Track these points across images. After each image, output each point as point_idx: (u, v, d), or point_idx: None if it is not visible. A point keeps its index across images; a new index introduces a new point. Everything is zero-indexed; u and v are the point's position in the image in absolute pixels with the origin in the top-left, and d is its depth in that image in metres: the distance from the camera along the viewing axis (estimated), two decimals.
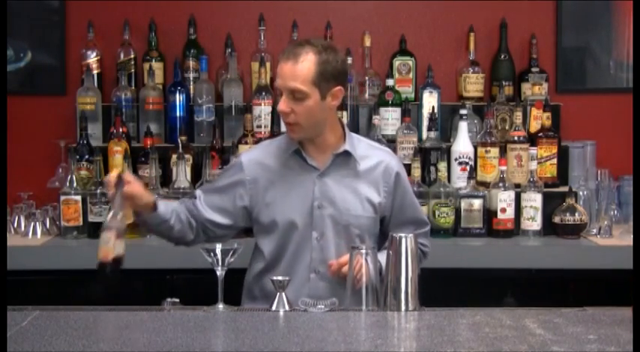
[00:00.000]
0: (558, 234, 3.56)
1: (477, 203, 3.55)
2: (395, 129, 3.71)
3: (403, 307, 2.18)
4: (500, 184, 3.53)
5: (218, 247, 2.26)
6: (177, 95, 3.79)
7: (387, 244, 2.58)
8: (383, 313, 2.19)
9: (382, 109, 3.73)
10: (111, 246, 2.30)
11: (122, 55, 3.89)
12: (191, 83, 3.86)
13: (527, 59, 3.96)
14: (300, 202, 2.59)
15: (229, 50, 3.88)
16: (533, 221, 3.53)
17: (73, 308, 2.30)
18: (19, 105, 3.93)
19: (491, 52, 3.98)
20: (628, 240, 3.42)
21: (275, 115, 3.62)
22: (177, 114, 3.79)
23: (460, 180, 3.61)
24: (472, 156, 3.63)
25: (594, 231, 3.58)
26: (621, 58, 4.04)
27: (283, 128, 2.86)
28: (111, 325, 2.10)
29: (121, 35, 3.90)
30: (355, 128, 3.75)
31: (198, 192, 2.70)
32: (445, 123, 3.87)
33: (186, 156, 3.55)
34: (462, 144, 3.64)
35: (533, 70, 3.89)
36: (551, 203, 3.57)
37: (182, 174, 3.48)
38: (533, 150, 3.58)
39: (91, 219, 3.49)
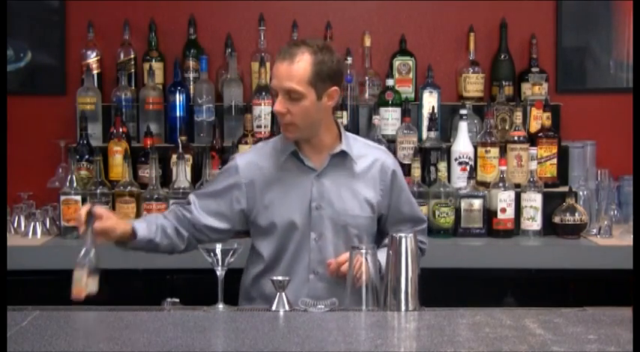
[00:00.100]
0: (558, 234, 3.56)
1: (477, 203, 3.55)
2: (395, 129, 3.71)
3: (403, 307, 2.18)
4: (500, 184, 3.53)
5: (218, 247, 2.26)
6: (177, 95, 3.79)
7: (385, 242, 2.60)
8: (383, 313, 2.19)
9: (382, 109, 3.73)
10: (83, 285, 2.26)
11: (122, 55, 3.89)
12: (191, 83, 3.86)
13: (527, 59, 3.96)
14: (298, 203, 2.58)
15: (229, 50, 3.88)
16: (533, 221, 3.53)
17: (73, 308, 2.30)
18: (19, 105, 3.93)
19: (491, 52, 3.98)
20: (628, 240, 3.42)
21: (274, 115, 3.61)
22: (177, 114, 3.79)
23: (460, 180, 3.61)
24: (472, 156, 3.63)
25: (594, 231, 3.58)
26: (621, 58, 4.04)
27: None
28: (111, 325, 2.10)
29: (121, 35, 3.90)
30: (355, 128, 3.76)
31: (191, 198, 2.67)
32: (445, 123, 3.87)
33: (186, 156, 3.55)
34: (462, 144, 3.64)
35: (533, 70, 3.89)
36: (551, 203, 3.57)
37: (182, 174, 3.48)
38: (533, 150, 3.58)
39: None
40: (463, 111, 3.66)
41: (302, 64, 2.46)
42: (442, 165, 3.58)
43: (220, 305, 2.26)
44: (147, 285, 3.26)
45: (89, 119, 3.70)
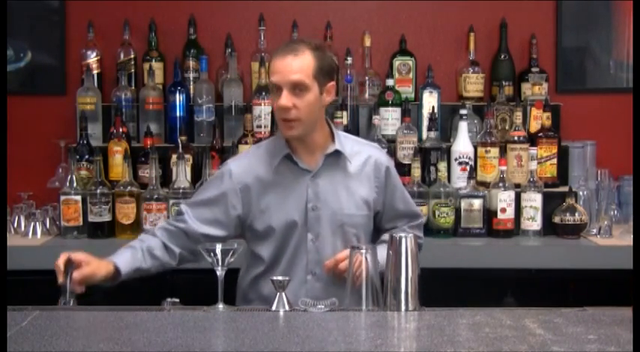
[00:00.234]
0: (558, 234, 3.56)
1: (477, 203, 3.55)
2: (395, 129, 3.71)
3: (403, 307, 2.18)
4: (500, 184, 3.53)
5: (218, 247, 2.26)
6: (177, 95, 3.79)
7: (382, 238, 2.61)
8: (383, 313, 2.19)
9: (382, 109, 3.73)
10: None
11: (122, 55, 3.89)
12: (191, 83, 3.86)
13: (527, 59, 3.97)
14: (295, 205, 2.58)
15: (229, 50, 3.88)
16: (533, 221, 3.53)
17: (73, 308, 2.31)
18: (19, 105, 3.93)
19: (491, 52, 3.99)
20: (628, 240, 3.42)
21: (274, 115, 3.61)
22: (177, 114, 3.79)
23: (460, 180, 3.61)
24: (472, 156, 3.63)
25: (594, 231, 3.58)
26: (621, 58, 4.04)
27: None
28: (111, 325, 2.09)
29: (121, 35, 3.90)
30: (355, 128, 3.76)
31: (183, 208, 2.64)
32: (445, 123, 3.87)
33: (186, 156, 3.55)
34: (462, 144, 3.64)
35: (533, 70, 3.89)
36: (551, 203, 3.57)
37: (182, 174, 3.48)
38: (533, 150, 3.58)
39: (91, 219, 3.50)
40: (463, 111, 3.66)
41: (306, 57, 2.48)
42: (442, 165, 3.58)
43: (220, 305, 2.25)
44: (147, 285, 3.25)
45: (89, 119, 3.70)
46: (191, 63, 3.89)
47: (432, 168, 3.63)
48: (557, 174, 3.68)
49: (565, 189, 3.61)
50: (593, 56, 4.07)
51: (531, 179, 3.55)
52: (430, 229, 3.49)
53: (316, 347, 1.88)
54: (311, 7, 4.02)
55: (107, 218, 3.51)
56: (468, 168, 3.60)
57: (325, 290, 2.55)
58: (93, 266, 2.41)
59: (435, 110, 3.73)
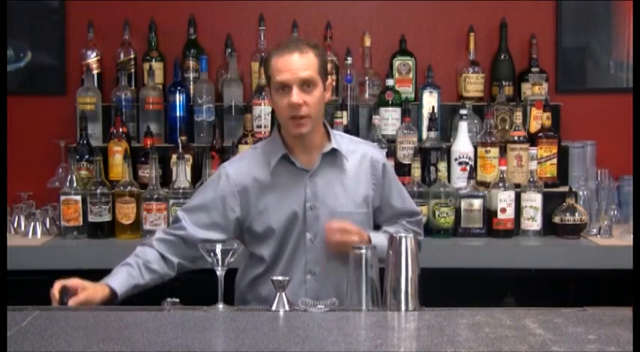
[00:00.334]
0: (558, 234, 3.56)
1: (477, 203, 3.55)
2: (395, 129, 3.71)
3: (403, 307, 2.18)
4: (500, 184, 3.53)
5: (218, 247, 2.26)
6: (177, 95, 3.79)
7: (384, 228, 2.61)
8: (383, 313, 2.19)
9: (382, 109, 3.74)
10: None
11: (122, 55, 3.89)
12: (191, 83, 3.86)
13: (527, 59, 3.97)
14: (293, 205, 2.58)
15: (229, 50, 3.88)
16: (533, 221, 3.53)
17: (73, 308, 2.30)
18: (19, 105, 3.93)
19: (491, 52, 3.99)
20: (628, 240, 3.42)
21: (274, 115, 3.61)
22: (177, 114, 3.79)
23: (460, 180, 3.61)
24: (472, 156, 3.63)
25: (594, 231, 3.58)
26: (621, 58, 4.04)
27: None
28: (111, 325, 2.09)
29: (121, 35, 3.90)
30: (355, 128, 3.76)
31: (180, 214, 2.62)
32: (445, 123, 3.87)
33: (186, 156, 3.55)
34: (462, 144, 3.64)
35: (533, 70, 3.89)
36: (551, 203, 3.57)
37: (182, 174, 3.48)
38: (533, 150, 3.58)
39: (91, 219, 3.50)
40: (463, 111, 3.66)
41: (311, 54, 2.51)
42: (442, 165, 3.58)
43: (220, 305, 2.25)
44: None
45: (89, 119, 3.70)
46: (191, 63, 3.89)
47: (432, 168, 3.63)
48: (557, 174, 3.68)
49: (565, 189, 3.61)
50: (593, 56, 4.07)
51: (531, 179, 3.55)
52: (430, 229, 3.50)
53: (316, 347, 1.88)
54: (311, 7, 4.02)
55: (107, 218, 3.51)
56: (467, 168, 3.60)
57: (325, 290, 2.55)
58: (88, 291, 2.38)
59: (435, 110, 3.73)
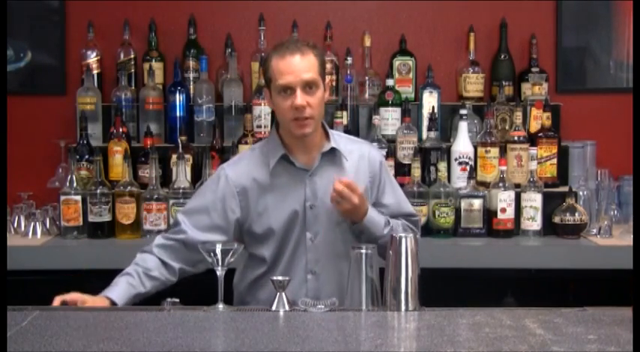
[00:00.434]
0: (558, 234, 3.56)
1: (477, 203, 3.55)
2: (395, 129, 3.71)
3: (403, 307, 2.18)
4: (500, 184, 3.53)
5: (218, 247, 2.26)
6: (177, 95, 3.79)
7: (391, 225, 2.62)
8: (383, 313, 2.19)
9: (382, 109, 3.73)
10: None
11: (122, 55, 3.89)
12: (191, 83, 3.86)
13: (527, 59, 3.97)
14: (293, 205, 2.58)
15: (229, 50, 3.88)
16: (533, 221, 3.53)
17: (73, 308, 2.31)
18: (19, 105, 3.93)
19: (491, 52, 3.99)
20: (628, 240, 3.42)
21: (274, 115, 3.61)
22: (177, 114, 3.79)
23: (460, 180, 3.61)
24: (472, 156, 3.63)
25: (594, 231, 3.58)
26: (621, 58, 4.04)
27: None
28: (111, 325, 2.09)
29: (121, 35, 3.90)
30: (355, 128, 3.76)
31: (180, 217, 2.61)
32: (445, 123, 3.87)
33: (186, 156, 3.55)
34: (462, 144, 3.64)
35: (533, 70, 3.89)
36: (551, 203, 3.57)
37: (182, 174, 3.48)
38: (533, 150, 3.58)
39: (91, 219, 3.50)
40: (463, 111, 3.66)
41: (311, 55, 2.51)
42: (442, 165, 3.58)
43: (220, 305, 2.25)
44: None
45: (89, 119, 3.70)
46: (191, 63, 3.89)
47: (432, 168, 3.62)
48: (557, 174, 3.68)
49: (565, 189, 3.61)
50: (593, 56, 4.07)
51: (531, 179, 3.55)
52: (430, 229, 3.50)
53: (316, 347, 1.88)
54: (311, 7, 4.02)
55: (107, 218, 3.51)
56: (468, 168, 3.60)
57: (325, 289, 2.55)
58: (88, 305, 2.37)
59: (435, 110, 3.73)
